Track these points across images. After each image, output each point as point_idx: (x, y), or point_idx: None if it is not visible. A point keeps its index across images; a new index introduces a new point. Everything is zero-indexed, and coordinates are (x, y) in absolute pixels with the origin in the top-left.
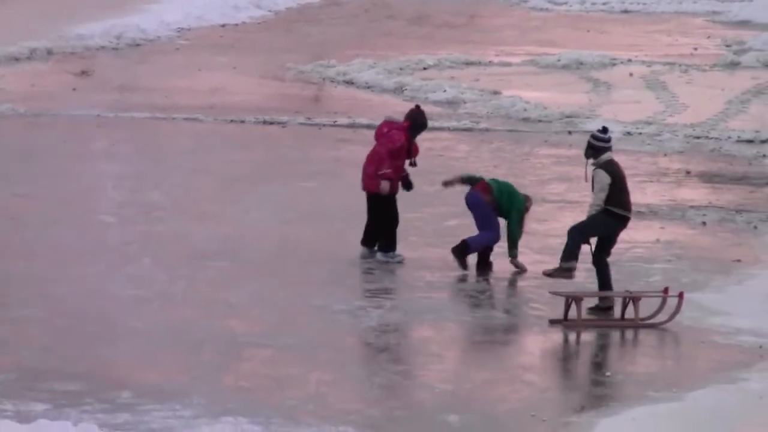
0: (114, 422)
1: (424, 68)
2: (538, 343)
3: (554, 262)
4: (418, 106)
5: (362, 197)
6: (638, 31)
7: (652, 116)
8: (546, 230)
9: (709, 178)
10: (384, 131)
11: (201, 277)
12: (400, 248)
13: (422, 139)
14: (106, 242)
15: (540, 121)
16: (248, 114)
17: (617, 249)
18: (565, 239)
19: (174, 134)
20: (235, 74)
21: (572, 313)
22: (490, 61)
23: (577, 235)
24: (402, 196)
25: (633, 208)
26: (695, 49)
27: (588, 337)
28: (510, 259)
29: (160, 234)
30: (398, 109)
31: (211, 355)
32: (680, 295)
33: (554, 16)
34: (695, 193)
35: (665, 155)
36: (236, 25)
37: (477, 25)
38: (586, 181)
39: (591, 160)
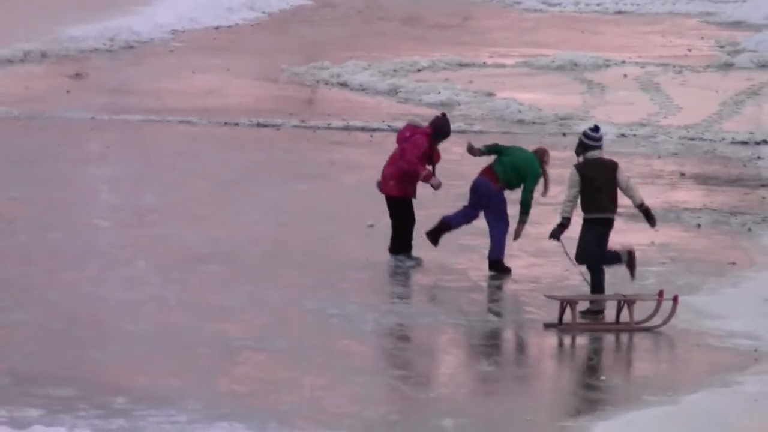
0: (109, 428)
1: (418, 70)
2: (533, 347)
3: (549, 265)
4: (444, 114)
5: (357, 199)
6: (632, 33)
7: (646, 118)
8: (540, 233)
9: (703, 180)
10: (407, 135)
11: (195, 281)
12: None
13: None
14: (99, 246)
15: (534, 122)
16: (242, 116)
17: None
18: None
19: (168, 137)
20: (229, 76)
21: (567, 316)
22: (484, 63)
23: (594, 263)
24: None
25: (625, 210)
26: (689, 50)
27: (583, 340)
28: (517, 224)
29: (154, 237)
30: (392, 111)
31: (206, 359)
32: (675, 299)
33: (548, 17)
34: (690, 196)
35: (659, 157)
36: (229, 27)
37: (471, 27)
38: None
39: (580, 158)
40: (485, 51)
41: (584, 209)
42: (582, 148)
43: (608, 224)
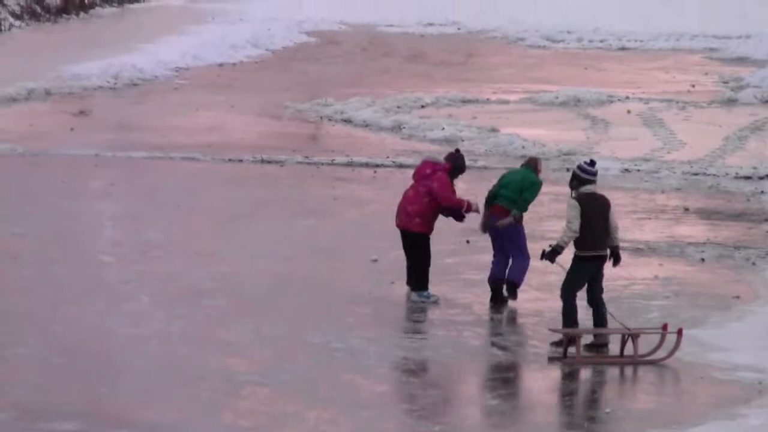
0: None
1: (422, 106)
2: (537, 381)
3: (552, 299)
4: (458, 150)
5: (360, 234)
6: (635, 69)
7: (650, 153)
8: (545, 267)
9: (707, 214)
10: (427, 172)
11: (199, 315)
12: (398, 286)
13: None
14: (103, 281)
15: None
16: (246, 153)
17: (615, 286)
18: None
19: (171, 173)
20: (233, 113)
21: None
22: (487, 99)
23: (564, 297)
24: (394, 235)
25: (629, 244)
26: (692, 85)
27: (587, 373)
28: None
29: (158, 272)
30: (396, 147)
31: (210, 393)
32: (679, 332)
33: (551, 53)
34: (693, 230)
35: (663, 192)
36: (233, 64)
37: (474, 63)
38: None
39: (573, 192)
40: (489, 87)
41: (580, 246)
42: (577, 181)
43: (604, 261)
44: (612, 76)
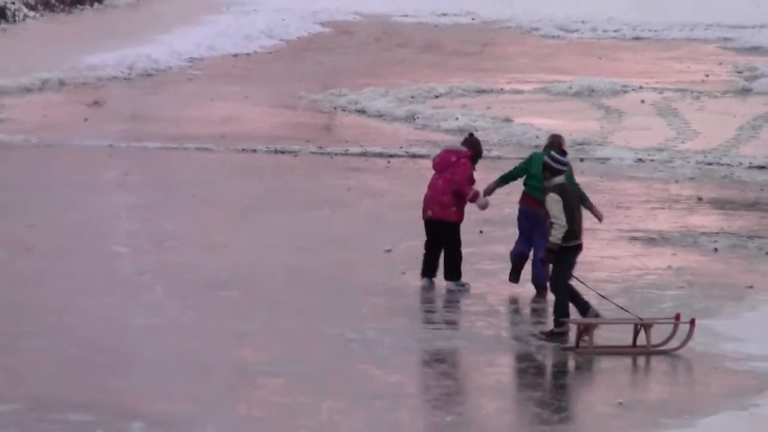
0: None
1: (436, 96)
2: (550, 371)
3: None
4: (472, 134)
5: (374, 225)
6: (650, 58)
7: (664, 143)
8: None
9: (720, 204)
10: (453, 160)
11: (212, 307)
12: (411, 276)
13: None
14: (118, 272)
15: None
16: (260, 143)
17: (629, 276)
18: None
19: (186, 164)
20: (247, 104)
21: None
22: (501, 89)
23: (560, 289)
24: (408, 225)
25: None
26: (707, 75)
27: (600, 364)
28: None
29: (172, 264)
30: (410, 137)
31: (223, 384)
32: (692, 322)
33: (566, 43)
34: (707, 220)
35: (677, 182)
36: (248, 54)
37: (489, 53)
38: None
39: (546, 183)
40: (503, 77)
41: (564, 238)
42: (550, 172)
43: (580, 250)
44: (626, 65)
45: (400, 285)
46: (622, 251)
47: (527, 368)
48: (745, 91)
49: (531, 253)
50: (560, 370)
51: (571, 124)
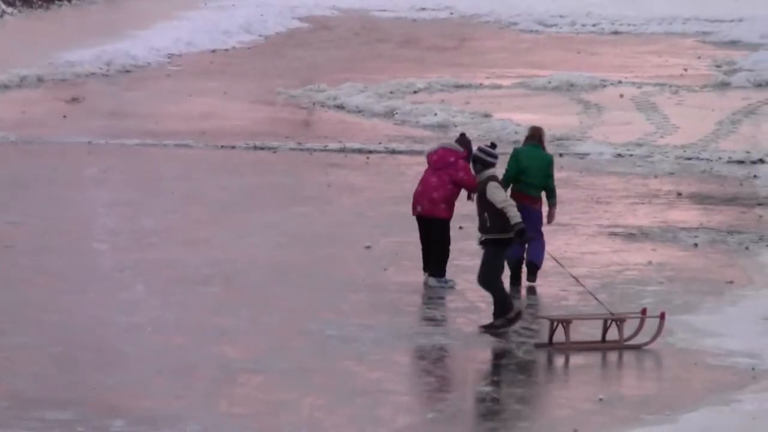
0: None
1: (415, 92)
2: (531, 367)
3: (546, 285)
4: (463, 134)
5: (354, 221)
6: (628, 53)
7: (643, 138)
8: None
9: (700, 199)
10: (451, 160)
11: (194, 303)
12: (392, 272)
13: (415, 164)
14: (99, 269)
15: None
16: (239, 139)
17: (609, 271)
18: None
19: (165, 160)
20: (226, 99)
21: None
22: (480, 84)
23: (496, 285)
24: (388, 221)
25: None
26: (685, 69)
27: (580, 360)
28: (549, 208)
29: (153, 260)
30: (389, 133)
31: (205, 380)
32: (661, 316)
33: (544, 38)
34: (687, 215)
35: (656, 177)
36: (226, 50)
37: (467, 48)
38: (469, 199)
39: (478, 177)
40: (482, 72)
41: (500, 230)
42: (481, 165)
43: (512, 241)
44: (605, 60)
45: (382, 281)
46: (602, 246)
47: (508, 365)
48: (723, 85)
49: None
50: (541, 367)
51: (550, 119)
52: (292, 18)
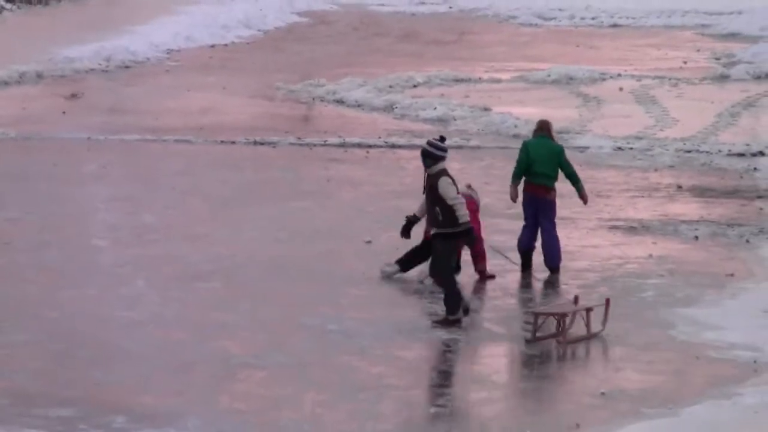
0: None
1: (414, 86)
2: (531, 362)
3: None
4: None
5: (354, 216)
6: (627, 46)
7: (643, 131)
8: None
9: (700, 192)
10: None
11: (194, 299)
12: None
13: (414, 158)
14: (98, 265)
15: (530, 137)
16: (238, 135)
17: (609, 265)
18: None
19: (164, 156)
20: (225, 95)
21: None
22: (479, 78)
23: (445, 278)
24: (388, 215)
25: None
26: (685, 62)
27: (581, 353)
28: (579, 191)
29: (153, 256)
30: (388, 127)
31: (205, 376)
32: (606, 302)
33: (543, 31)
34: (687, 208)
35: (656, 170)
36: (225, 45)
37: (466, 42)
38: (423, 193)
39: (428, 171)
40: (481, 66)
41: (451, 223)
42: (431, 159)
43: (464, 236)
44: (604, 53)
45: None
46: (603, 240)
47: (508, 360)
48: (723, 78)
49: (538, 241)
50: (543, 361)
51: (549, 112)
52: (291, 13)
